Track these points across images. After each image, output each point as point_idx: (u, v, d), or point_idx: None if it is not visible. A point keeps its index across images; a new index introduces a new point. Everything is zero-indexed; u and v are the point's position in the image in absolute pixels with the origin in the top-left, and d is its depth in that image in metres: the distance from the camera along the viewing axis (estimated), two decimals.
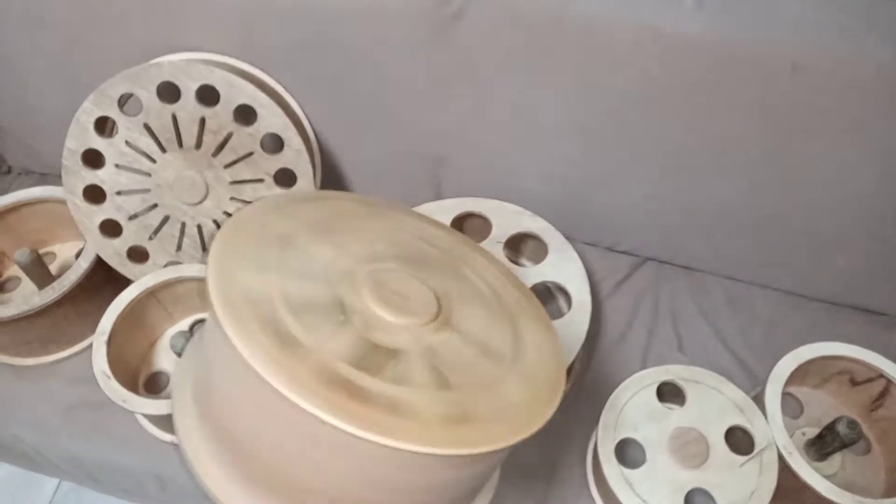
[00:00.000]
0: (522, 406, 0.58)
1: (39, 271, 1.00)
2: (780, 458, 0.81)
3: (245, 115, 0.92)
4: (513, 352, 0.64)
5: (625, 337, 1.01)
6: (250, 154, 0.94)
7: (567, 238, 0.99)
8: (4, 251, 1.09)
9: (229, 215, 0.97)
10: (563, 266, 0.95)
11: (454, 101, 0.99)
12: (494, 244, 0.97)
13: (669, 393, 0.89)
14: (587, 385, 0.98)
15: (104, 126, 0.95)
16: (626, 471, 0.82)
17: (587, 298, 0.92)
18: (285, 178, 0.96)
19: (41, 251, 1.11)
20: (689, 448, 0.83)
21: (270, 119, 0.92)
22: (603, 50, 0.88)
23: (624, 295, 1.06)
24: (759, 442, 0.83)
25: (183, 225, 0.98)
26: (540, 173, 1.03)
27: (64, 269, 0.98)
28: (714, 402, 0.86)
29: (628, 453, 0.86)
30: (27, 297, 0.95)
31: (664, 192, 1.01)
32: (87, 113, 0.92)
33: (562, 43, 0.89)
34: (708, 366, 0.90)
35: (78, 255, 1.00)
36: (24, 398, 1.00)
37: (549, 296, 1.03)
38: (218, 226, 0.98)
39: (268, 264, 0.60)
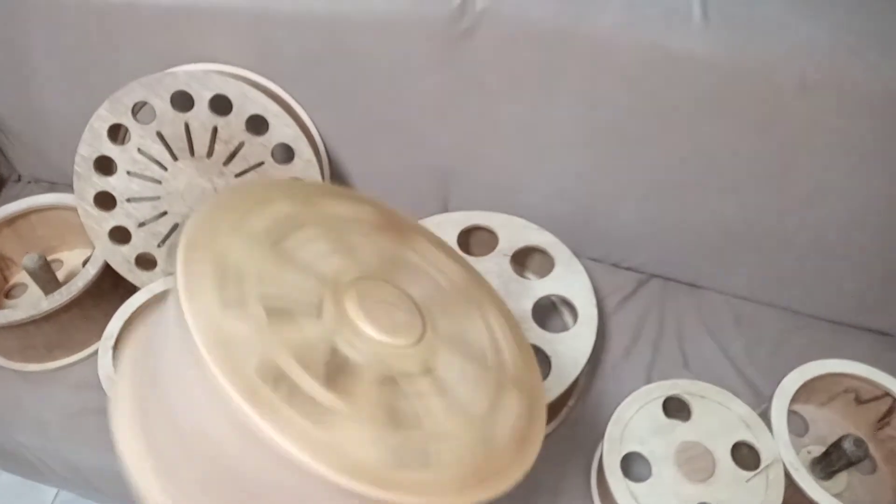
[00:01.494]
0: (467, 472, 0.49)
1: (47, 277, 1.00)
2: (787, 474, 0.81)
3: (256, 125, 0.93)
4: (484, 416, 0.54)
5: (630, 353, 1.01)
6: (261, 164, 0.95)
7: (573, 253, 0.99)
8: (12, 257, 1.09)
9: None
10: (569, 280, 0.95)
11: (463, 115, 1.00)
12: (501, 257, 0.98)
13: (675, 408, 0.89)
14: (591, 400, 0.98)
15: (117, 133, 0.96)
16: (632, 484, 0.82)
17: (594, 312, 0.92)
18: None
19: (49, 258, 1.12)
20: (695, 462, 0.83)
21: (282, 129, 0.93)
22: (611, 67, 0.89)
23: (629, 311, 1.06)
24: (765, 458, 0.82)
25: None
26: (547, 188, 1.03)
27: (71, 277, 0.99)
28: (720, 417, 0.86)
29: (633, 467, 0.85)
30: (35, 302, 0.95)
31: (670, 209, 1.01)
32: (102, 119, 0.93)
33: (571, 60, 0.90)
34: (713, 383, 0.90)
35: (85, 263, 1.00)
36: (28, 404, 1.00)
37: (553, 310, 1.04)
38: None
39: (258, 237, 0.53)
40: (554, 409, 0.90)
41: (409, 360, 0.54)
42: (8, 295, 1.10)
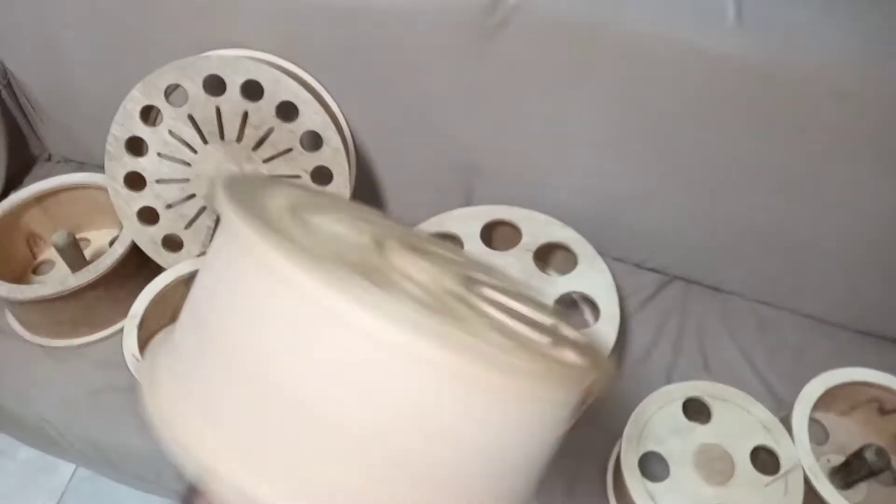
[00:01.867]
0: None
1: (75, 255, 1.02)
2: (806, 481, 0.80)
3: (286, 111, 0.94)
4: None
5: (650, 353, 1.01)
6: (289, 150, 0.95)
7: (596, 251, 0.99)
8: (41, 234, 1.11)
9: None
10: (591, 277, 0.95)
11: (491, 109, 1.00)
12: (523, 252, 0.98)
13: (694, 410, 0.88)
14: (609, 399, 0.97)
15: (149, 115, 0.97)
16: (650, 484, 0.81)
17: (615, 311, 0.92)
18: (322, 176, 0.97)
19: (76, 236, 1.13)
20: (714, 465, 0.82)
21: (311, 117, 0.94)
22: (643, 66, 0.89)
23: (650, 312, 1.05)
24: (785, 463, 0.82)
25: (218, 217, 0.99)
26: (572, 186, 1.03)
27: (97, 256, 1.00)
28: (741, 420, 0.86)
29: (651, 467, 0.85)
30: (62, 279, 0.97)
31: (696, 211, 1.01)
32: (134, 101, 0.94)
33: (602, 57, 0.90)
34: (733, 387, 0.90)
35: (112, 243, 1.01)
36: (52, 379, 1.01)
37: (574, 307, 1.03)
38: None
39: (281, 210, 0.46)
40: None
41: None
42: (36, 271, 1.12)
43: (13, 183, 1.25)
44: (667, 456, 0.83)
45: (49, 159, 1.32)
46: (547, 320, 0.53)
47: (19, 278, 1.09)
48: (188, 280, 0.97)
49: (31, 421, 1.04)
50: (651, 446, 0.84)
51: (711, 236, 1.03)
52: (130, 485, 1.20)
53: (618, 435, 0.91)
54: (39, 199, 1.08)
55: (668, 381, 0.97)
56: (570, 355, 0.48)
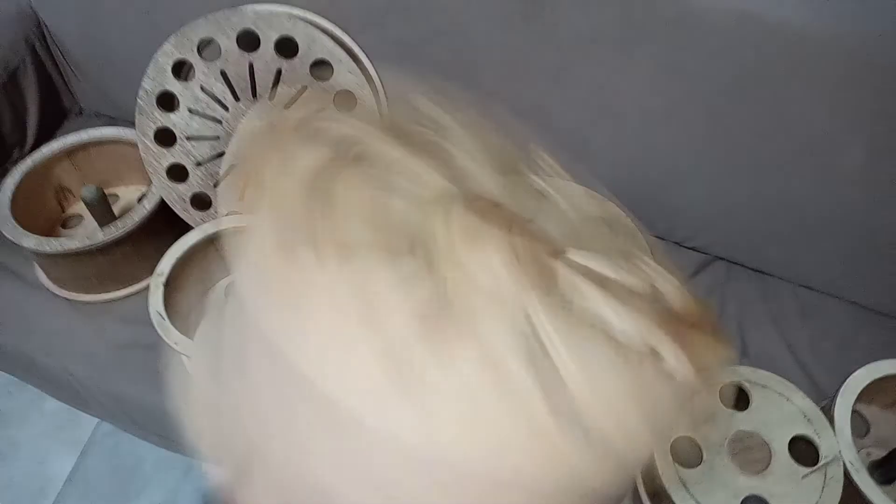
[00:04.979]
0: None
1: (103, 209, 1.01)
2: (846, 474, 0.77)
3: (321, 70, 0.91)
4: None
5: None
6: (322, 110, 0.92)
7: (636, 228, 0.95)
8: (70, 188, 1.10)
9: None
10: None
11: (534, 75, 0.96)
12: None
13: (732, 396, 0.85)
14: None
15: (181, 70, 0.94)
16: (682, 469, 0.79)
17: None
18: None
19: (105, 191, 1.12)
20: (750, 453, 0.79)
21: (346, 76, 0.91)
22: (697, 34, 0.84)
23: (690, 293, 1.02)
24: (825, 455, 0.78)
25: None
26: (615, 157, 0.99)
27: (125, 212, 0.99)
28: (780, 408, 0.82)
29: (683, 453, 0.82)
30: (90, 233, 0.96)
31: (744, 188, 0.96)
32: (167, 55, 0.92)
33: (654, 23, 0.85)
34: (773, 373, 0.86)
35: (140, 199, 1.00)
36: (77, 333, 1.01)
37: None
38: None
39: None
40: None
41: None
42: (65, 225, 1.11)
43: (45, 136, 1.24)
44: (700, 442, 0.81)
45: (81, 113, 1.31)
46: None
47: (48, 231, 1.08)
48: (215, 240, 0.96)
49: (56, 373, 1.05)
50: (684, 431, 0.81)
51: (757, 215, 0.99)
52: (152, 441, 1.21)
53: None
54: (69, 152, 1.07)
55: None
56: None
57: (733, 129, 0.90)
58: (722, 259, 1.06)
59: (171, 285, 0.91)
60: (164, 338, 0.86)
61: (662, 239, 1.06)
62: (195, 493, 1.26)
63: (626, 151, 0.98)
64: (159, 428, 1.12)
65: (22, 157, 1.08)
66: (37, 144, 1.14)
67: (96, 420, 1.32)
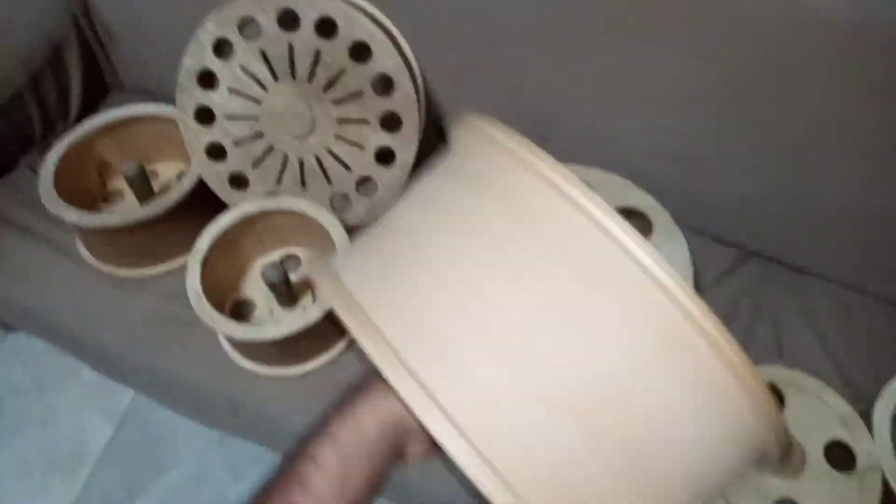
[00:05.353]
0: None
1: (143, 186, 1.02)
2: (884, 482, 0.75)
3: (359, 52, 0.91)
4: None
5: None
6: (360, 93, 0.92)
7: (673, 220, 0.94)
8: (112, 163, 1.11)
9: (332, 154, 0.96)
10: (666, 249, 0.90)
11: (567, 58, 0.95)
12: None
13: None
14: None
15: (222, 48, 0.95)
16: None
17: (690, 286, 0.87)
18: (391, 122, 0.94)
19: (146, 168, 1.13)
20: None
21: (385, 59, 0.90)
22: (729, 18, 0.82)
23: (724, 289, 1.00)
24: (862, 461, 0.77)
25: (285, 158, 0.98)
26: (649, 146, 0.97)
27: (164, 188, 1.00)
28: (816, 411, 0.81)
29: None
30: (130, 209, 0.97)
31: (782, 182, 0.94)
32: (208, 33, 0.92)
33: (685, 7, 0.83)
34: (809, 375, 0.84)
35: (179, 177, 1.01)
36: (115, 307, 1.03)
37: None
38: (319, 163, 0.97)
39: None
40: None
41: None
42: (105, 200, 1.13)
43: (88, 111, 1.25)
44: None
45: (123, 89, 1.33)
46: None
47: (89, 206, 1.10)
48: (252, 219, 0.97)
49: (93, 345, 1.07)
50: None
51: (796, 210, 0.96)
52: (186, 415, 1.23)
53: None
54: (111, 128, 1.08)
55: None
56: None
57: (770, 118, 0.88)
58: (759, 255, 1.03)
59: (208, 264, 0.93)
60: (200, 316, 0.87)
61: (698, 232, 1.03)
62: (227, 466, 1.29)
63: (659, 139, 0.96)
64: (192, 402, 1.14)
65: (65, 130, 1.09)
66: (79, 119, 1.16)
67: (132, 390, 1.35)
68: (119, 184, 1.13)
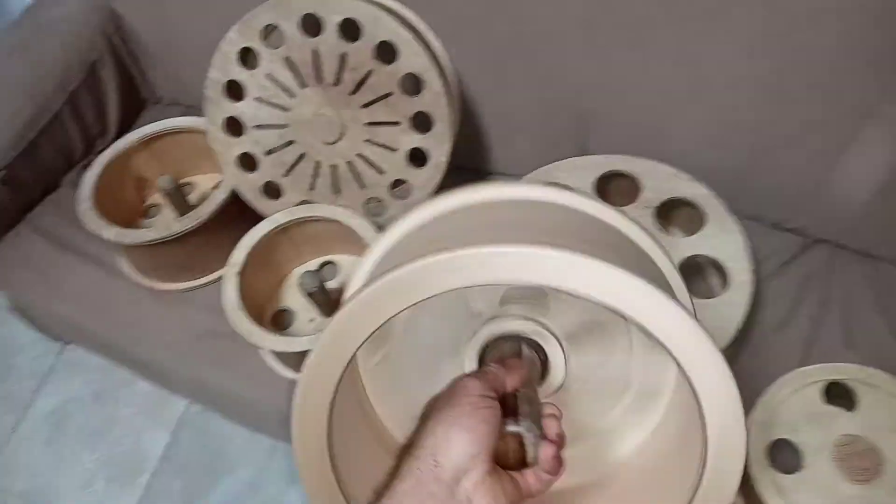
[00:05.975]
0: None
1: (179, 199, 1.02)
2: None
3: (386, 53, 0.87)
4: None
5: (785, 328, 0.90)
6: (389, 94, 0.89)
7: (727, 209, 0.87)
8: (149, 178, 1.12)
9: (364, 158, 0.94)
10: (721, 239, 0.84)
11: (609, 47, 0.89)
12: (643, 209, 0.88)
13: (836, 395, 0.77)
14: (734, 375, 0.87)
15: (247, 58, 0.93)
16: (779, 475, 0.73)
17: (748, 278, 0.81)
18: (422, 122, 0.90)
19: (182, 181, 1.14)
20: (857, 460, 0.72)
21: (412, 58, 0.86)
22: None
23: (788, 279, 0.93)
24: None
25: (317, 164, 0.96)
26: (702, 134, 0.91)
27: (202, 200, 0.99)
28: (893, 411, 0.74)
29: (780, 456, 0.75)
30: (167, 223, 0.97)
31: (849, 165, 0.87)
32: (231, 43, 0.91)
33: None
34: (880, 369, 0.78)
35: (216, 188, 1.00)
36: (159, 321, 1.03)
37: (700, 273, 0.93)
38: (351, 168, 0.95)
39: None
40: None
41: None
42: (145, 215, 1.14)
43: (126, 126, 1.27)
44: (800, 446, 0.74)
45: (159, 102, 1.33)
46: None
47: (130, 221, 1.11)
48: (287, 229, 0.95)
49: (143, 359, 1.08)
50: (782, 434, 0.75)
51: (862, 192, 0.89)
52: (238, 423, 1.24)
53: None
54: (146, 142, 1.08)
55: (805, 360, 0.86)
56: None
57: (833, 99, 0.81)
58: (825, 241, 0.96)
59: (244, 275, 0.92)
60: (238, 329, 0.86)
61: (757, 221, 0.97)
62: (282, 472, 1.29)
63: (714, 128, 0.90)
64: (242, 412, 1.14)
65: (105, 147, 1.10)
66: (119, 135, 1.16)
67: (186, 400, 1.37)
68: (158, 198, 1.13)
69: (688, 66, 0.86)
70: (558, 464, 0.43)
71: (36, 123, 1.13)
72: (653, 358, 0.54)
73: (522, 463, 0.44)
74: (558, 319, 0.54)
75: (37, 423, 1.40)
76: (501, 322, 0.53)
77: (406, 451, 0.42)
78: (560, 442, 0.44)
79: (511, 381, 0.46)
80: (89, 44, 1.19)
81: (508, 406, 0.45)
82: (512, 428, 0.44)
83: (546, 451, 0.43)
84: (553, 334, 0.52)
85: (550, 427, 0.44)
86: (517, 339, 0.52)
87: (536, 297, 0.54)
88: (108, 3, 1.21)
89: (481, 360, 0.53)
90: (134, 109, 1.30)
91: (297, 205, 0.97)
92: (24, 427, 1.40)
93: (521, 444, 0.44)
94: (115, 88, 1.23)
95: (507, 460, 0.43)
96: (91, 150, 1.23)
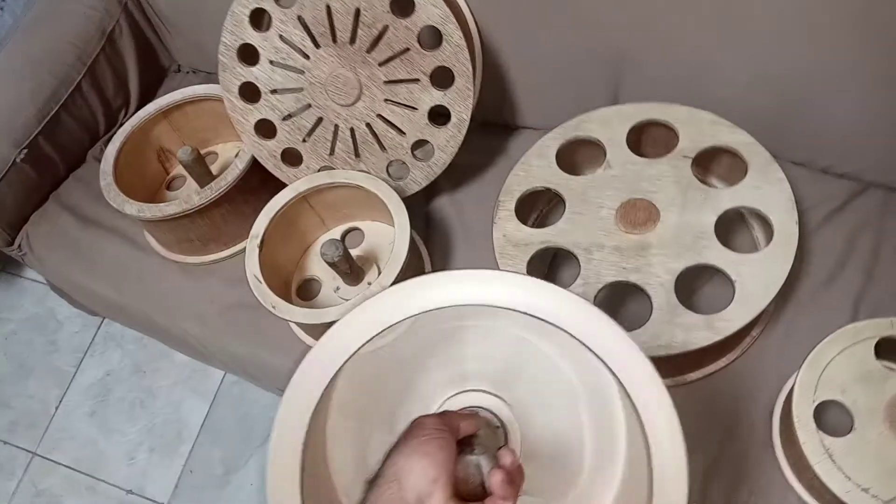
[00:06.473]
0: None
1: (201, 170, 1.00)
2: None
3: (402, 5, 0.83)
4: None
5: (834, 279, 0.84)
6: (406, 50, 0.85)
7: (772, 156, 0.82)
8: (171, 149, 1.10)
9: (384, 119, 0.90)
10: (765, 189, 0.79)
11: None
12: (680, 159, 0.83)
13: (889, 352, 0.72)
14: (779, 330, 0.83)
15: (260, 20, 0.89)
16: (827, 438, 0.68)
17: (793, 230, 0.76)
18: (443, 77, 0.86)
19: (204, 150, 1.12)
20: None
21: (429, 9, 0.82)
22: None
23: (837, 228, 0.87)
24: None
25: (336, 127, 0.93)
26: (745, 77, 0.85)
27: (224, 169, 0.97)
28: None
29: (829, 418, 0.71)
30: (189, 196, 0.95)
31: None
32: (243, 4, 0.87)
33: None
34: None
35: (237, 156, 0.98)
36: (187, 295, 1.03)
37: (742, 224, 0.88)
38: (371, 130, 0.91)
39: None
40: (734, 339, 0.77)
41: None
42: (170, 186, 1.13)
43: (147, 97, 1.25)
44: (850, 407, 0.70)
45: (179, 70, 1.31)
46: None
47: (153, 194, 1.10)
48: (307, 197, 0.92)
49: (175, 332, 1.08)
50: (831, 394, 0.70)
51: None
52: (273, 391, 1.24)
53: (786, 373, 0.78)
54: (165, 113, 1.06)
55: (856, 315, 0.81)
56: None
57: (885, 33, 0.74)
58: (878, 185, 0.90)
59: (267, 246, 0.90)
60: (262, 302, 0.85)
61: (804, 166, 0.91)
62: None
63: (757, 70, 0.84)
64: (274, 381, 1.14)
65: (127, 118, 1.09)
66: (141, 106, 1.15)
67: (222, 371, 1.38)
68: (182, 169, 1.12)
69: (731, 6, 0.80)
70: (511, 491, 0.45)
71: (56, 98, 1.12)
72: (603, 421, 0.57)
73: (483, 493, 0.47)
74: (515, 394, 0.58)
75: (80, 396, 1.43)
76: (463, 396, 0.59)
77: (371, 483, 0.45)
78: (512, 470, 0.46)
79: (465, 426, 0.49)
80: (105, 13, 1.17)
81: (466, 443, 0.48)
82: (468, 457, 0.47)
83: (496, 476, 0.45)
84: (510, 407, 0.56)
85: (505, 456, 0.48)
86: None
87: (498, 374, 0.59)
88: None
89: None
90: (155, 79, 1.28)
91: (318, 171, 0.95)
92: (69, 400, 1.43)
93: (480, 472, 0.47)
94: (134, 58, 1.21)
95: (466, 488, 0.46)
96: (114, 124, 1.22)
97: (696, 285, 0.85)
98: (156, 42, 1.26)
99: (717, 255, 0.76)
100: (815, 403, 0.70)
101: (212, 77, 1.25)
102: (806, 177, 0.90)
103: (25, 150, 1.09)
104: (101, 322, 1.49)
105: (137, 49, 1.22)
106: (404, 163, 0.93)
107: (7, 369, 1.48)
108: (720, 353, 0.82)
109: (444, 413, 0.50)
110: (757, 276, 0.74)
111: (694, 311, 0.74)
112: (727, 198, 0.80)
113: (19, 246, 1.15)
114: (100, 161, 1.01)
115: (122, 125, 1.05)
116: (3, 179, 1.09)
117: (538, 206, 0.95)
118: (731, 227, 0.86)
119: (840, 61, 0.80)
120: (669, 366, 0.80)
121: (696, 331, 0.73)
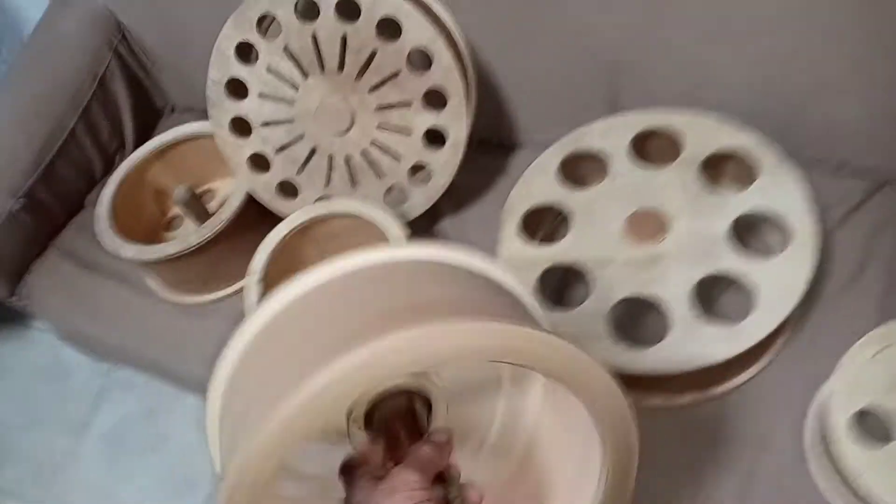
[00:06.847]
0: None
1: (197, 209, 0.98)
2: None
3: (389, 29, 0.81)
4: None
5: (857, 280, 0.80)
6: (396, 74, 0.83)
7: (784, 155, 0.79)
8: (167, 190, 1.09)
9: (378, 145, 0.88)
10: (778, 190, 0.76)
11: None
12: (686, 166, 0.80)
13: None
14: (804, 337, 0.79)
15: (247, 54, 0.88)
16: (865, 450, 0.64)
17: (812, 229, 0.72)
18: (435, 99, 0.84)
19: (201, 188, 1.10)
20: None
21: (417, 31, 0.80)
22: None
23: (856, 228, 0.84)
24: None
25: (331, 158, 0.91)
26: (748, 76, 0.82)
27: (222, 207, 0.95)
28: None
29: (866, 428, 0.67)
30: (187, 235, 0.93)
31: None
32: (228, 39, 0.86)
33: None
34: None
35: (234, 192, 0.96)
36: (190, 336, 1.00)
37: (757, 229, 0.84)
38: (366, 157, 0.89)
39: None
40: (758, 349, 0.73)
41: None
42: (168, 227, 1.11)
43: (144, 140, 1.23)
44: (889, 415, 0.66)
45: (173, 110, 1.30)
46: None
47: (151, 236, 1.08)
48: (306, 228, 0.90)
49: (184, 375, 1.06)
50: (866, 402, 0.67)
51: None
52: None
53: (816, 381, 0.74)
54: (160, 153, 1.05)
55: (883, 316, 0.77)
56: None
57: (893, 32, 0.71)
58: (894, 183, 0.86)
59: (268, 281, 0.87)
60: None
61: (819, 163, 0.87)
62: None
63: (761, 67, 0.81)
64: None
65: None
66: (137, 148, 1.14)
67: None
68: (179, 209, 1.10)
69: (725, 4, 0.78)
70: None
71: (51, 145, 1.11)
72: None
73: None
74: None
75: (94, 443, 1.40)
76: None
77: None
78: None
79: (443, 459, 0.47)
80: (95, 57, 1.16)
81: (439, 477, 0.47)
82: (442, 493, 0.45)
83: None
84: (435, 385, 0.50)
85: (472, 495, 0.47)
86: (406, 393, 0.49)
87: None
88: (112, 14, 1.18)
89: (368, 421, 0.48)
90: (151, 121, 1.27)
91: (315, 202, 0.92)
92: (82, 448, 1.40)
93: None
94: (128, 100, 1.20)
95: None
96: (111, 168, 1.20)
97: (713, 295, 0.82)
98: (148, 83, 1.26)
99: (734, 263, 0.73)
100: (850, 413, 0.66)
101: (205, 115, 1.24)
102: (822, 174, 0.86)
103: (22, 200, 1.08)
104: (111, 368, 1.47)
105: (130, 91, 1.21)
106: (403, 188, 0.90)
107: (18, 421, 1.47)
108: (745, 365, 0.78)
109: (423, 459, 0.47)
110: (778, 282, 0.71)
111: (713, 323, 0.71)
112: (739, 202, 0.76)
113: (21, 296, 1.13)
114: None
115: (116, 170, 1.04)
116: (1, 230, 1.07)
117: (545, 223, 0.92)
118: (746, 233, 0.83)
119: (849, 58, 0.78)
120: (692, 381, 0.76)
121: (718, 343, 0.70)
